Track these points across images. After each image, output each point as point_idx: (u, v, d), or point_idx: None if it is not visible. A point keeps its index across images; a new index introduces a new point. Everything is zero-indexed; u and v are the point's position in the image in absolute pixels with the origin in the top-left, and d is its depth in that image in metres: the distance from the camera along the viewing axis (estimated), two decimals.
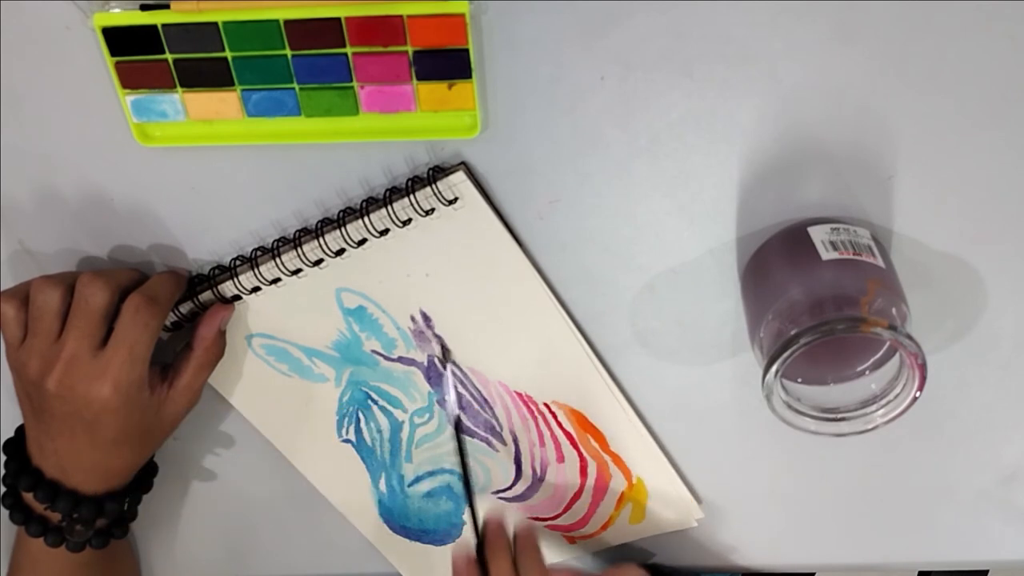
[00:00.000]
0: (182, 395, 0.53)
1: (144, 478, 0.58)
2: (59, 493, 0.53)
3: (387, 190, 0.50)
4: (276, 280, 0.52)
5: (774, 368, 0.43)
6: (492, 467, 0.60)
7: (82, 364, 0.49)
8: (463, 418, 0.58)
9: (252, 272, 0.52)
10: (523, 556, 0.55)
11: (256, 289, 0.53)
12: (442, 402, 0.57)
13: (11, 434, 0.56)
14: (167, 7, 0.44)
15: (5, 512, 0.55)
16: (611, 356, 0.55)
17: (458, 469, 0.56)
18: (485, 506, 0.60)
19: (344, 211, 0.51)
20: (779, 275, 0.47)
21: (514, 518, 0.57)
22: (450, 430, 0.58)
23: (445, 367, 0.55)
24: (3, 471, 0.54)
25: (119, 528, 0.57)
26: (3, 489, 0.55)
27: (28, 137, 0.50)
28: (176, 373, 0.53)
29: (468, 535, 0.57)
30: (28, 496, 0.54)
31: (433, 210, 0.49)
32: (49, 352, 0.49)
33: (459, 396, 0.57)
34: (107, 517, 0.55)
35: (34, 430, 0.53)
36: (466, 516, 0.62)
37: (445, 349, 0.55)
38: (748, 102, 0.46)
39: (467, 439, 0.59)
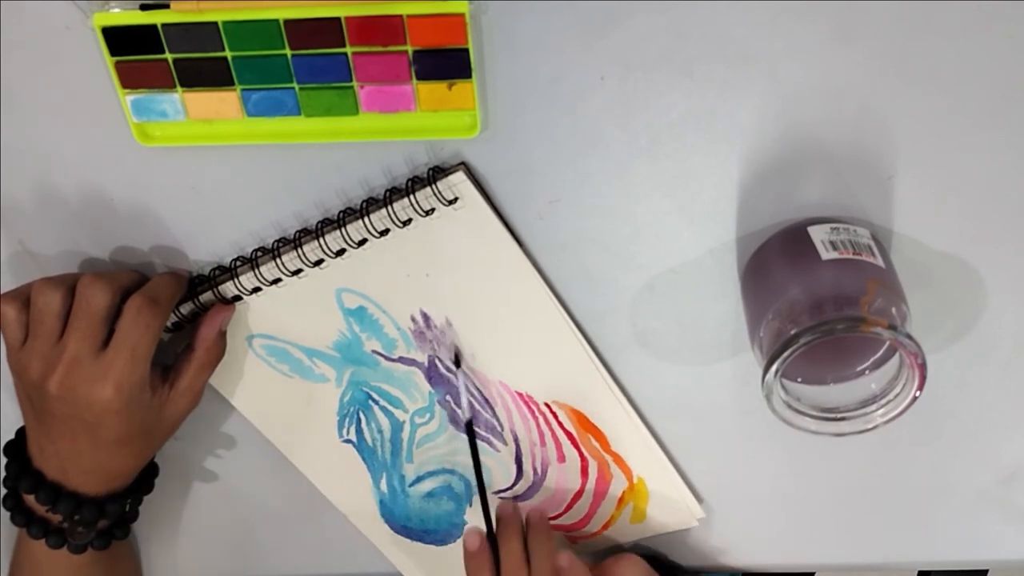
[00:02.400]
0: (183, 396, 0.53)
1: (145, 479, 0.58)
2: (60, 495, 0.53)
3: (387, 190, 0.50)
4: (276, 280, 0.52)
5: (774, 368, 0.43)
6: (493, 467, 0.60)
7: (83, 366, 0.49)
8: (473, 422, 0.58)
9: (252, 273, 0.52)
10: (534, 539, 0.55)
11: (256, 290, 0.53)
12: (443, 402, 0.57)
13: (12, 436, 0.56)
14: (167, 7, 0.44)
15: (6, 514, 0.55)
16: (611, 356, 0.55)
17: (473, 470, 0.56)
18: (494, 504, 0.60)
19: (344, 211, 0.51)
20: (779, 275, 0.47)
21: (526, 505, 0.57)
22: (462, 435, 0.58)
23: (457, 375, 0.55)
24: (4, 473, 0.54)
25: (120, 529, 0.57)
26: (4, 491, 0.55)
27: (28, 137, 0.50)
28: (177, 374, 0.53)
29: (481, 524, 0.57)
30: (29, 498, 0.54)
31: (433, 210, 0.49)
32: (50, 354, 0.49)
33: (471, 403, 0.57)
34: (108, 518, 0.55)
35: (35, 432, 0.53)
36: (468, 515, 0.63)
37: (458, 355, 0.55)
38: (748, 102, 0.46)
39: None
